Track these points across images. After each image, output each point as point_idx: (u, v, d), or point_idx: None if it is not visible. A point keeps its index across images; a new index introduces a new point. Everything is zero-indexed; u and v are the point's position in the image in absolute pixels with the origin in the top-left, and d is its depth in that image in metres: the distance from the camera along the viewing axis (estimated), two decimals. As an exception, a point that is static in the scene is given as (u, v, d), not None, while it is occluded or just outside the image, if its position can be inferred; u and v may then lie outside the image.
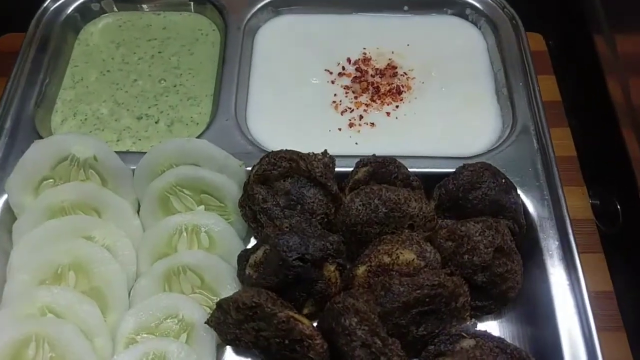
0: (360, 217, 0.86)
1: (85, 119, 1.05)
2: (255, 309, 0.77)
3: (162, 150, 0.92)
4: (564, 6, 1.39)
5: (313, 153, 0.88)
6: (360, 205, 0.86)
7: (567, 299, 0.84)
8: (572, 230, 0.89)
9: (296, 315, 0.78)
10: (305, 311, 0.87)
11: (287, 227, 0.85)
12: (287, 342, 0.77)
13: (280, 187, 0.90)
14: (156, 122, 1.05)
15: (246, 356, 0.87)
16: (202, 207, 0.94)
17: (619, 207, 1.17)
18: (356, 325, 0.75)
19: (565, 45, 1.35)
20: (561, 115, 1.24)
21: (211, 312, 0.82)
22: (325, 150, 0.89)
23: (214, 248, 0.91)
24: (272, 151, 0.89)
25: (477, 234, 0.83)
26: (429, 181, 0.93)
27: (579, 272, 0.84)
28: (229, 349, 0.87)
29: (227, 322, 0.82)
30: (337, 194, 0.89)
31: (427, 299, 0.78)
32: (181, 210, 0.93)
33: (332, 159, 0.90)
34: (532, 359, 0.78)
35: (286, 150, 0.88)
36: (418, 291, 0.78)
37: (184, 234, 0.91)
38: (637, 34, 1.12)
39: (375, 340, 0.75)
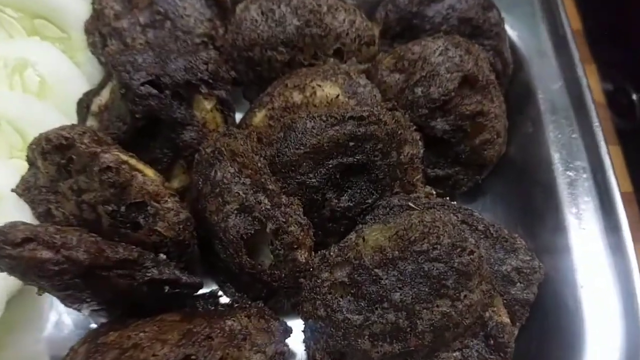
0: (259, 33, 0.56)
1: None
2: (68, 151, 0.47)
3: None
4: None
5: (190, -62, 0.58)
6: (257, 16, 0.56)
7: (579, 172, 0.55)
8: (584, 72, 0.59)
9: (134, 162, 0.48)
10: (175, 184, 0.57)
11: (140, 44, 0.56)
12: (123, 209, 0.47)
13: (143, -3, 0.60)
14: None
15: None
16: (37, 37, 0.64)
17: (634, 97, 0.90)
18: (232, 176, 0.46)
19: None
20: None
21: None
22: None
23: (45, 94, 0.62)
24: (132, -58, 0.59)
25: (438, 54, 0.53)
26: (371, 4, 0.63)
27: (594, 121, 0.54)
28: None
29: (37, 184, 0.52)
30: (225, 3, 0.58)
31: (351, 143, 0.48)
32: (2, 40, 0.63)
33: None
34: (520, 241, 0.49)
35: (151, -63, 0.58)
36: (336, 127, 0.48)
37: (3, 72, 0.61)
38: None
39: (259, 197, 0.45)
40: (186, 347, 0.40)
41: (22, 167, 0.61)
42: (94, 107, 0.58)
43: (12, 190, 0.56)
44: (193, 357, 0.40)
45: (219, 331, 0.42)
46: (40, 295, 0.52)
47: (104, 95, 0.57)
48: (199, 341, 0.41)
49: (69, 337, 0.55)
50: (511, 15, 0.63)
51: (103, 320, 0.51)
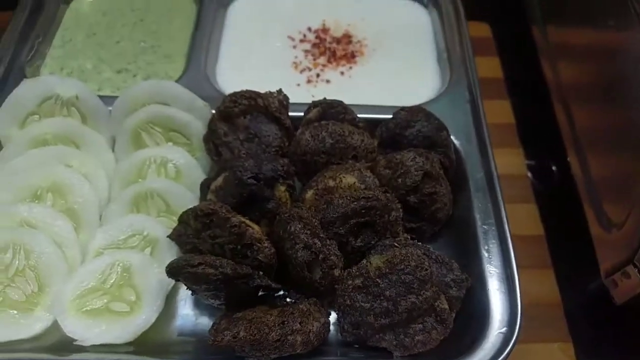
0: (309, 147, 0.97)
1: (71, 72, 1.18)
2: (212, 216, 0.87)
3: (136, 91, 1.04)
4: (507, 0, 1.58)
5: (269, 91, 1.00)
6: (309, 137, 0.98)
7: (490, 226, 0.95)
8: (495, 166, 1.00)
9: (247, 222, 0.88)
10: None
11: (244, 154, 0.97)
12: (239, 247, 0.86)
13: (241, 123, 1.01)
14: (134, 76, 1.17)
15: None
16: (170, 143, 1.05)
17: (554, 168, 1.31)
18: (300, 230, 0.86)
19: (508, 33, 1.52)
20: (502, 90, 1.41)
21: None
22: (280, 89, 1.02)
23: (180, 179, 1.01)
24: (234, 91, 1.01)
25: (410, 160, 0.94)
26: (373, 127, 1.05)
27: (499, 197, 0.96)
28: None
29: (186, 233, 0.91)
30: (290, 128, 1.00)
31: (363, 210, 0.89)
32: (151, 146, 1.04)
33: (286, 97, 1.02)
34: (455, 264, 0.89)
35: (246, 89, 1.00)
36: (355, 203, 0.89)
37: (153, 165, 1.02)
38: (565, 24, 1.28)
39: (315, 241, 0.85)
40: (282, 316, 0.78)
41: (166, 222, 1.00)
42: (212, 187, 0.98)
43: (168, 237, 0.95)
44: (285, 321, 0.78)
45: (297, 310, 0.80)
46: (193, 295, 0.91)
47: (219, 181, 0.97)
48: (287, 314, 0.79)
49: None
50: (454, 130, 1.05)
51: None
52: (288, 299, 0.91)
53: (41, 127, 1.02)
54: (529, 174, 1.28)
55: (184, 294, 0.95)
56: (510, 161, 1.27)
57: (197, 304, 0.94)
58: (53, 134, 1.01)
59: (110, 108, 1.06)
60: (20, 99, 1.02)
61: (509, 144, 1.29)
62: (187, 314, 0.93)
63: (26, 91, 1.03)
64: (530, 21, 1.44)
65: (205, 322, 0.92)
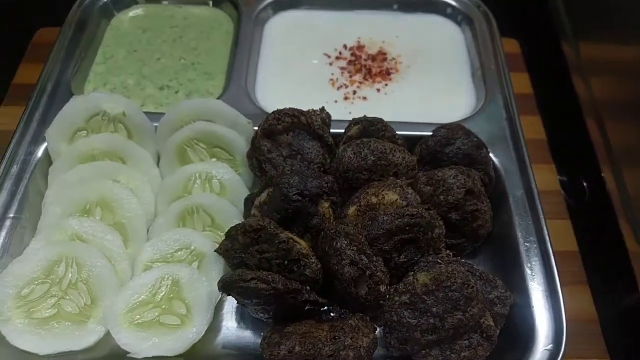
0: (352, 164, 0.99)
1: (114, 88, 1.21)
2: (260, 232, 0.89)
3: (182, 108, 1.07)
4: (536, 17, 1.59)
5: (312, 109, 1.03)
6: (352, 154, 1.00)
7: (532, 243, 0.96)
8: (535, 183, 1.02)
9: (295, 237, 0.90)
10: (304, 246, 0.98)
11: (288, 170, 0.99)
12: (286, 262, 0.88)
13: (283, 140, 1.04)
14: (176, 92, 1.20)
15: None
16: (214, 159, 1.07)
17: (585, 184, 1.32)
18: (346, 246, 0.87)
19: (538, 49, 1.54)
20: (533, 106, 1.42)
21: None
22: (323, 107, 1.04)
23: (224, 194, 1.04)
24: (277, 109, 1.03)
25: (451, 178, 0.96)
26: (411, 143, 1.07)
27: (540, 214, 0.97)
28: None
29: (234, 247, 0.93)
30: (332, 145, 1.03)
31: (407, 227, 0.90)
32: (196, 161, 1.06)
33: (329, 115, 1.04)
34: (499, 281, 0.90)
35: (289, 107, 1.03)
36: (399, 219, 0.90)
37: (198, 180, 1.04)
38: (598, 40, 1.30)
39: (362, 257, 0.87)
40: (333, 332, 0.80)
41: (212, 237, 1.03)
42: (256, 203, 1.00)
43: (215, 251, 0.97)
44: (337, 336, 0.80)
45: (347, 326, 0.82)
46: (242, 309, 0.93)
47: (263, 196, 0.99)
48: (338, 329, 0.81)
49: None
50: (493, 147, 1.07)
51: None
52: (332, 314, 0.93)
53: (89, 142, 1.05)
54: (561, 190, 1.30)
55: (228, 307, 0.97)
56: (543, 177, 1.26)
57: (241, 317, 0.96)
58: (100, 149, 1.04)
59: (155, 124, 1.09)
60: (69, 116, 1.06)
61: (542, 160, 1.30)
62: (231, 326, 0.95)
63: (75, 108, 1.06)
64: (560, 37, 1.45)
65: (247, 335, 0.94)
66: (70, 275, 0.92)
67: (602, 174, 1.20)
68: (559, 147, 1.35)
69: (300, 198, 0.94)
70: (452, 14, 1.36)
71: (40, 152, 1.06)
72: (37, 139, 1.08)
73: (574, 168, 1.34)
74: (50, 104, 1.12)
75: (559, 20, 1.47)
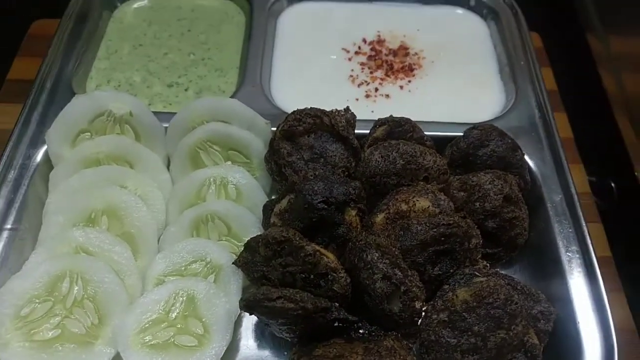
0: (379, 168, 0.92)
1: (119, 86, 1.13)
2: (284, 244, 0.82)
3: (194, 108, 0.99)
4: (559, 8, 1.52)
5: (336, 109, 0.95)
6: (379, 157, 0.93)
7: (574, 252, 0.90)
8: (575, 188, 0.95)
9: (322, 250, 0.83)
10: (328, 258, 0.91)
11: (312, 176, 0.92)
12: (312, 276, 0.81)
13: (305, 142, 0.96)
14: (185, 90, 1.12)
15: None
16: (229, 162, 1.00)
17: (613, 185, 1.26)
18: (378, 259, 0.80)
19: (561, 42, 1.47)
20: (558, 102, 1.35)
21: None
22: (347, 107, 0.96)
23: (241, 200, 0.97)
24: (298, 109, 0.96)
25: (488, 183, 0.89)
26: (440, 144, 1.00)
27: (582, 221, 0.91)
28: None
29: (254, 260, 0.86)
30: (357, 148, 0.95)
31: (442, 238, 0.84)
32: (210, 165, 0.99)
33: (353, 115, 0.97)
34: (542, 295, 0.84)
35: (311, 107, 0.95)
36: (434, 229, 0.84)
37: (213, 186, 0.97)
38: (630, 32, 1.23)
39: (395, 271, 0.80)
40: (368, 355, 0.73)
41: (228, 247, 0.95)
42: (276, 210, 0.92)
43: (233, 263, 0.90)
44: None
45: (382, 348, 0.75)
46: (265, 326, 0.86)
47: (283, 203, 0.92)
48: (374, 352, 0.74)
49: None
50: (526, 148, 1.00)
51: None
52: (361, 330, 0.86)
53: (93, 145, 0.97)
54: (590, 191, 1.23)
55: (247, 323, 0.90)
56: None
57: (261, 334, 0.89)
58: (106, 153, 0.96)
59: (165, 125, 1.01)
60: (71, 116, 0.97)
61: (570, 160, 1.23)
62: (251, 345, 0.88)
63: (77, 107, 0.98)
64: (585, 29, 1.38)
65: (267, 354, 0.87)
66: (75, 291, 0.84)
67: (636, 174, 1.14)
68: (587, 146, 1.29)
69: (325, 206, 0.87)
70: (476, 6, 1.29)
71: (39, 156, 0.98)
72: (37, 142, 0.99)
73: (602, 168, 1.28)
74: (50, 103, 1.03)
75: (584, 11, 1.40)
